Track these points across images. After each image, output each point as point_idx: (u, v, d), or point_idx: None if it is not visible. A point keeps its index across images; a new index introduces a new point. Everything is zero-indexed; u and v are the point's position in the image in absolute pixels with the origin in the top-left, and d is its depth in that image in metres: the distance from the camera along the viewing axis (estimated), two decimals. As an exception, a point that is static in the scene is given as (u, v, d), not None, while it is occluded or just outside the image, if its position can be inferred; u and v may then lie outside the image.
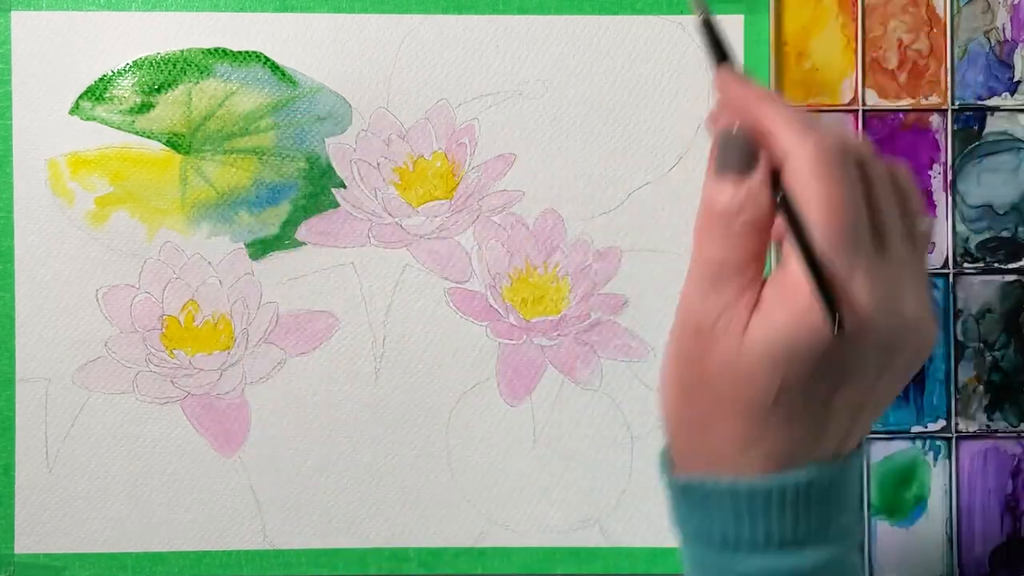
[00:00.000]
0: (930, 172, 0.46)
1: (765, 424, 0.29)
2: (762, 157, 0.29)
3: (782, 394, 0.28)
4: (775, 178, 0.29)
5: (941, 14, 0.46)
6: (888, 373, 0.29)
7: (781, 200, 0.29)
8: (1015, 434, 0.46)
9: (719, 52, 0.31)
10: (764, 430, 0.29)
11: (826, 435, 0.29)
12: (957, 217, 0.46)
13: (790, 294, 0.28)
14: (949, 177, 0.46)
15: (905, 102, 0.46)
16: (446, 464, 0.46)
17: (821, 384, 0.28)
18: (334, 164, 0.45)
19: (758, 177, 0.29)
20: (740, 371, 0.28)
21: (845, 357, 0.28)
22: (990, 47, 0.46)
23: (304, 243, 0.45)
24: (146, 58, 0.45)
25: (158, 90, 0.45)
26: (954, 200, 0.46)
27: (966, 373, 0.46)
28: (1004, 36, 0.46)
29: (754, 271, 0.29)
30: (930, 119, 0.46)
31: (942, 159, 0.46)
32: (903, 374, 0.30)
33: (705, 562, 0.30)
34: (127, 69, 0.45)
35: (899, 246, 0.29)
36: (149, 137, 0.45)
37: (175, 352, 0.45)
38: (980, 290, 0.46)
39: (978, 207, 0.46)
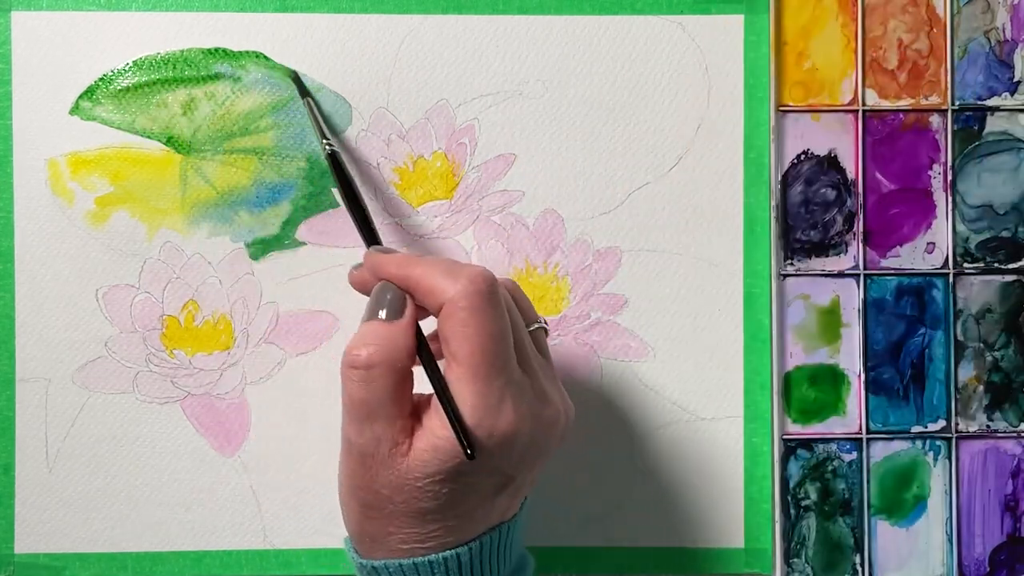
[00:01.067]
0: (930, 172, 0.46)
1: (435, 522, 0.33)
2: (408, 307, 0.34)
3: (448, 500, 0.33)
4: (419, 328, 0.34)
5: (941, 14, 0.46)
6: (540, 460, 0.35)
7: (420, 347, 0.33)
8: (1015, 434, 0.46)
9: (367, 235, 0.37)
10: (435, 526, 0.33)
11: (491, 515, 0.34)
12: (957, 217, 0.46)
13: (445, 428, 0.32)
14: (949, 177, 0.46)
15: (905, 102, 0.46)
16: (446, 464, 0.46)
17: (482, 486, 0.33)
18: (334, 164, 0.45)
19: (399, 326, 0.33)
20: (408, 488, 0.33)
21: (498, 464, 0.33)
22: (990, 47, 0.46)
23: (304, 243, 0.45)
24: (146, 58, 0.45)
25: (158, 90, 0.45)
26: (954, 200, 0.46)
27: (966, 373, 0.46)
28: (1004, 36, 0.46)
29: (401, 403, 0.33)
30: (930, 119, 0.46)
31: (942, 159, 0.46)
32: (550, 453, 0.35)
33: None
34: (127, 69, 0.45)
35: (531, 356, 0.34)
36: (149, 137, 0.45)
37: (175, 352, 0.45)
38: (980, 290, 0.46)
39: (978, 207, 0.46)
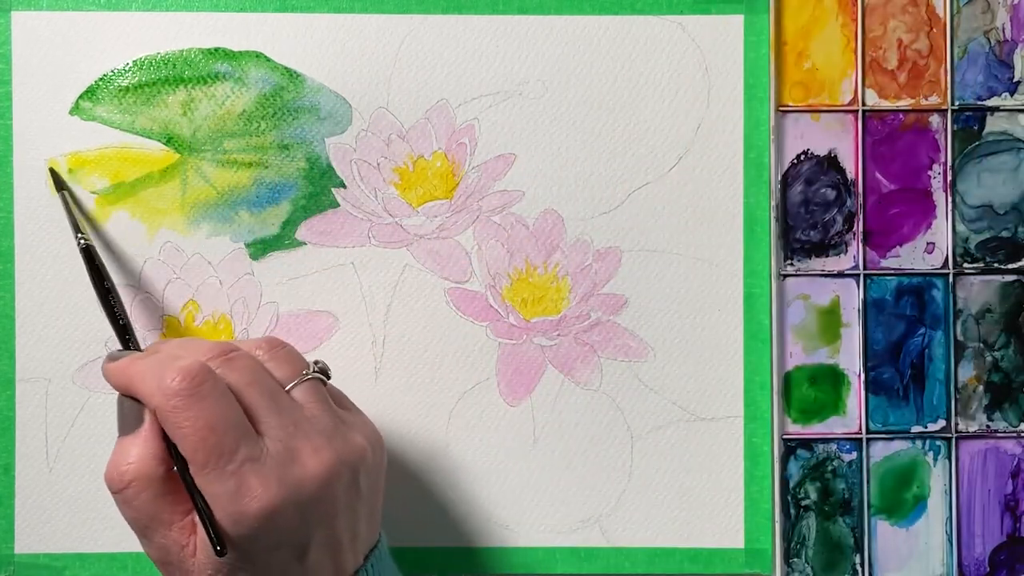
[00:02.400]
0: (930, 172, 0.46)
1: None
2: (146, 415, 0.34)
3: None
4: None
5: (941, 14, 0.46)
6: (337, 509, 0.34)
7: (169, 448, 0.34)
8: (1015, 434, 0.46)
9: (119, 334, 0.38)
10: None
11: (341, 566, 0.35)
12: (957, 217, 0.46)
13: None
14: (949, 177, 0.46)
15: (905, 102, 0.46)
16: (445, 464, 0.46)
17: (277, 560, 0.33)
18: (334, 164, 0.45)
19: (140, 437, 0.34)
20: None
21: (275, 539, 0.33)
22: (990, 47, 0.46)
23: (304, 243, 0.45)
24: (146, 58, 0.45)
25: (158, 90, 0.45)
26: (954, 200, 0.46)
27: (966, 373, 0.46)
28: (1004, 36, 0.46)
29: (172, 508, 0.33)
30: (930, 119, 0.46)
31: (942, 159, 0.46)
32: (355, 496, 0.35)
33: None
34: (127, 69, 0.45)
35: (279, 420, 0.34)
36: (149, 137, 0.45)
37: (175, 352, 0.45)
38: (980, 290, 0.46)
39: (978, 207, 0.46)
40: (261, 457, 0.33)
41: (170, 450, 0.34)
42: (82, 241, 0.40)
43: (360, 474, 0.36)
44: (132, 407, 0.35)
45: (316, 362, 0.37)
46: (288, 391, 0.36)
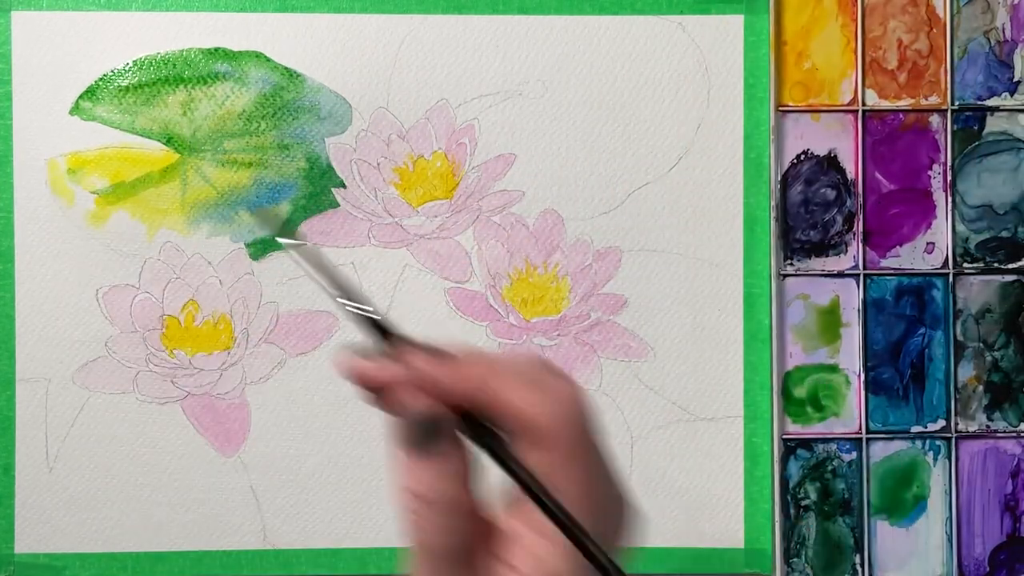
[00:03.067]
0: (930, 172, 0.46)
1: None
2: (446, 430, 0.26)
3: None
4: (488, 439, 0.26)
5: (941, 14, 0.46)
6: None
7: (512, 471, 0.26)
8: (1015, 434, 0.46)
9: (378, 330, 0.27)
10: None
11: None
12: (957, 217, 0.46)
13: (538, 563, 0.26)
14: (949, 177, 0.46)
15: (905, 102, 0.46)
16: (446, 464, 0.46)
17: None
18: (334, 164, 0.45)
19: (457, 454, 0.26)
20: None
21: None
22: (990, 47, 0.46)
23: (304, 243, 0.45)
24: (146, 58, 0.45)
25: (158, 90, 0.45)
26: (954, 200, 0.46)
27: (966, 373, 0.46)
28: (1004, 36, 0.46)
29: (476, 547, 0.26)
30: (930, 119, 0.46)
31: (942, 159, 0.46)
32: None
33: None
34: (127, 69, 0.45)
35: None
36: (149, 137, 0.45)
37: (175, 352, 0.45)
38: (980, 290, 0.46)
39: (978, 207, 0.46)
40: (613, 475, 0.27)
41: (525, 482, 0.26)
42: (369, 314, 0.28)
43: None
44: (442, 425, 0.26)
45: None
46: None
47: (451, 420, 0.26)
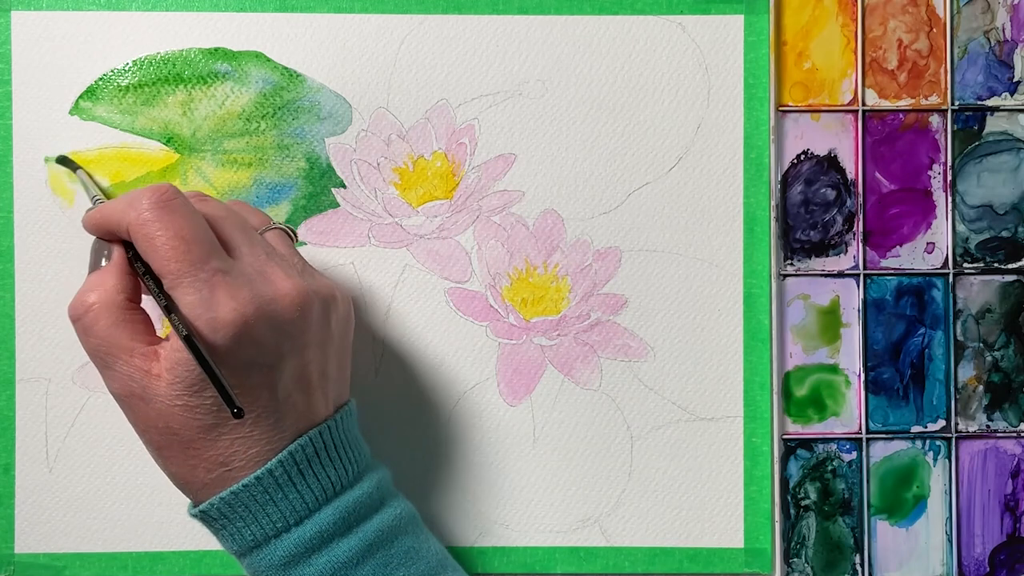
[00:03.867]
0: (930, 172, 0.46)
1: (232, 435, 0.34)
2: (115, 250, 0.35)
3: (224, 408, 0.33)
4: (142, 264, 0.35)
5: (941, 14, 0.46)
6: (302, 342, 0.35)
7: (142, 275, 0.35)
8: (1015, 434, 0.46)
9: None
10: (233, 440, 0.34)
11: (286, 417, 0.34)
12: (957, 217, 0.46)
13: (174, 340, 0.33)
14: (949, 177, 0.46)
15: (905, 102, 0.46)
16: (446, 464, 0.46)
17: (250, 378, 0.33)
18: (334, 164, 0.45)
19: (107, 269, 0.35)
20: (177, 411, 0.33)
21: (246, 355, 0.33)
22: (990, 47, 0.46)
23: (304, 243, 0.45)
24: (146, 58, 0.45)
25: (158, 90, 0.45)
26: (954, 200, 0.46)
27: (966, 373, 0.46)
28: (1004, 36, 0.46)
29: (134, 335, 0.34)
30: (930, 119, 0.46)
31: (942, 159, 0.46)
32: (327, 333, 0.36)
33: (259, 570, 0.35)
34: (127, 69, 0.45)
35: (248, 247, 0.35)
36: (149, 137, 0.45)
37: (175, 352, 0.45)
38: (980, 290, 0.46)
39: (978, 207, 0.46)
40: (233, 271, 0.34)
41: (143, 275, 0.34)
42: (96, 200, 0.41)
43: (331, 313, 0.37)
44: (101, 245, 0.36)
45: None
46: (260, 233, 0.37)
47: (102, 241, 0.36)
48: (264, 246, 0.36)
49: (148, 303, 0.37)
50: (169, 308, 0.33)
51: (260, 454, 0.34)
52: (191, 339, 0.32)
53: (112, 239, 0.36)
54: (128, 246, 0.35)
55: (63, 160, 0.44)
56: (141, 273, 0.34)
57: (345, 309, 0.38)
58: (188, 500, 0.36)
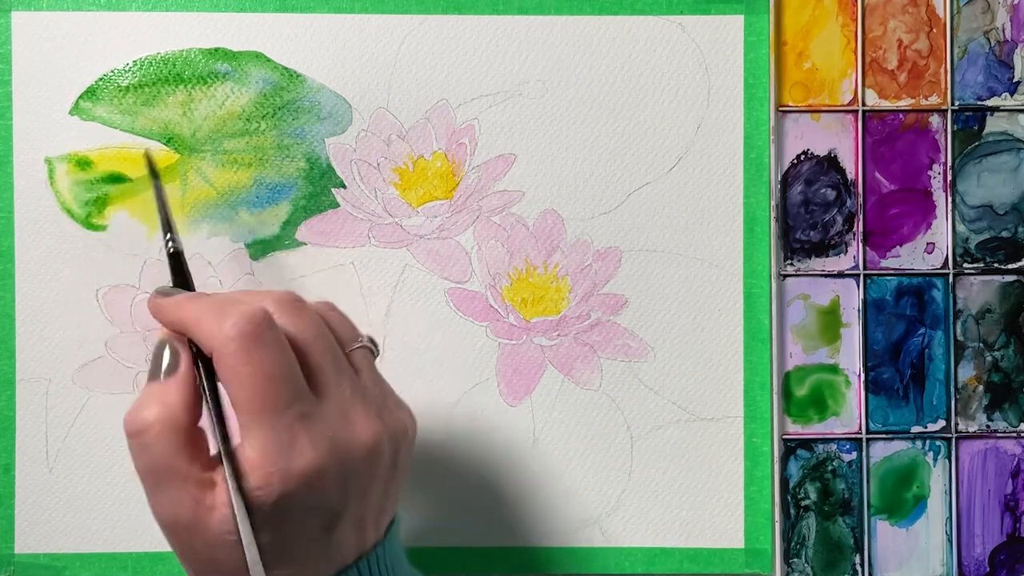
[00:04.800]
0: (930, 172, 0.46)
1: (281, 571, 0.31)
2: (183, 360, 0.32)
3: (274, 548, 0.31)
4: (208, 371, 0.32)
5: (941, 14, 0.46)
6: (372, 486, 0.33)
7: (208, 396, 0.32)
8: (1015, 434, 0.46)
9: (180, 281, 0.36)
10: (283, 572, 0.32)
11: (334, 554, 0.32)
12: (957, 217, 0.46)
13: (244, 468, 0.30)
14: (949, 177, 0.46)
15: (905, 102, 0.46)
16: (445, 464, 0.46)
17: (307, 527, 0.32)
18: (334, 164, 0.45)
19: (171, 383, 0.32)
20: (225, 545, 0.31)
21: (313, 502, 0.31)
22: (990, 47, 0.46)
23: (304, 243, 0.45)
24: (146, 58, 0.45)
25: (158, 90, 0.45)
26: (954, 200, 0.46)
27: (966, 373, 0.46)
28: (1004, 36, 0.46)
29: (191, 461, 0.31)
30: (930, 119, 0.46)
31: (942, 159, 0.46)
32: (379, 477, 0.34)
33: None
34: (127, 69, 0.45)
35: (334, 380, 0.33)
36: (149, 137, 0.45)
37: (175, 352, 0.45)
38: (980, 290, 0.46)
39: (978, 207, 0.46)
40: (315, 416, 0.31)
41: (210, 398, 0.32)
42: (170, 246, 0.38)
43: (400, 449, 0.35)
44: (171, 351, 0.33)
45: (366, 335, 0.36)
46: (347, 353, 0.34)
47: (173, 347, 0.33)
48: (350, 378, 0.34)
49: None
50: (230, 455, 0.31)
51: None
52: (240, 499, 0.30)
53: (179, 339, 0.33)
54: (200, 359, 0.33)
55: (149, 159, 0.42)
56: (210, 403, 0.32)
57: (412, 437, 0.36)
58: None
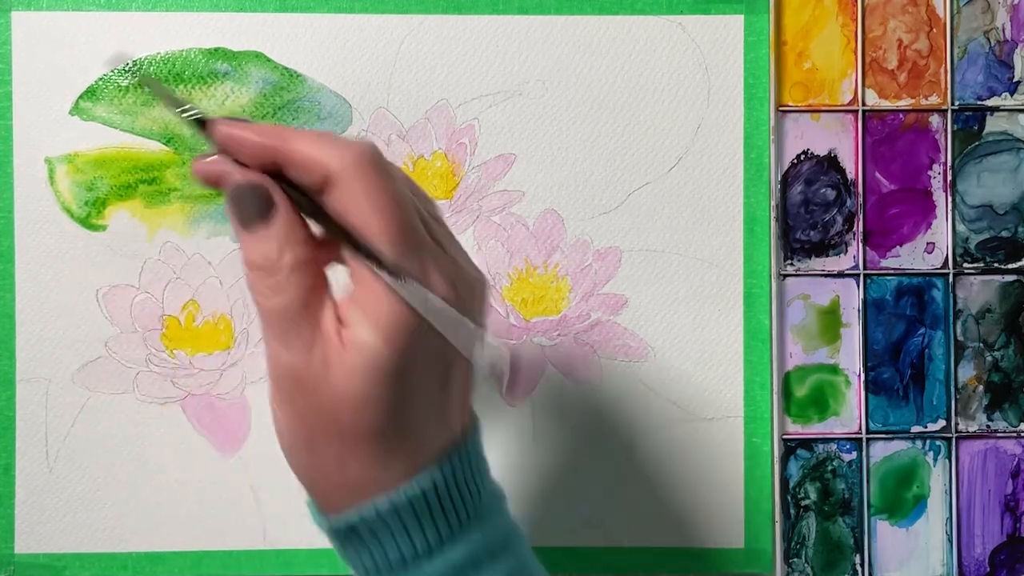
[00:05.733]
0: (930, 172, 0.46)
1: (395, 435, 0.29)
2: (278, 199, 0.29)
3: (400, 402, 0.29)
4: (314, 208, 0.29)
5: (941, 14, 0.46)
6: (476, 331, 0.31)
7: (327, 223, 0.29)
8: (1015, 434, 0.46)
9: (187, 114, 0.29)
10: (396, 441, 0.29)
11: (451, 415, 0.31)
12: (957, 217, 0.46)
13: (372, 309, 0.28)
14: (949, 177, 0.46)
15: (905, 102, 0.46)
16: (446, 464, 0.46)
17: (426, 377, 0.29)
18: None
19: (282, 218, 0.29)
20: (354, 401, 0.28)
21: (436, 344, 0.29)
22: (990, 47, 0.46)
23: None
24: (146, 58, 0.45)
25: (158, 90, 0.45)
26: (954, 200, 0.46)
27: (966, 373, 0.46)
28: (1004, 36, 0.46)
29: (319, 302, 0.29)
30: (930, 119, 0.46)
31: (942, 159, 0.46)
32: (481, 323, 0.31)
33: None
34: (127, 69, 0.45)
35: (435, 226, 0.31)
36: (149, 137, 0.45)
37: (175, 352, 0.45)
38: (980, 290, 0.46)
39: (978, 207, 0.46)
40: (436, 251, 0.29)
41: (325, 223, 0.29)
42: (192, 113, 0.30)
43: (487, 303, 0.33)
44: (262, 193, 0.29)
45: None
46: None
47: (266, 186, 0.29)
48: (441, 230, 0.32)
49: None
50: (379, 261, 0.27)
51: (415, 464, 0.30)
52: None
53: (262, 177, 0.29)
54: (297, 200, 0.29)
55: (145, 80, 0.39)
56: (336, 229, 0.29)
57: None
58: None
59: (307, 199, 0.29)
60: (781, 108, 0.46)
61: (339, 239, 0.29)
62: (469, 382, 0.33)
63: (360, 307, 0.28)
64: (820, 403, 0.46)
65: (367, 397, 0.28)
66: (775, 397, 0.46)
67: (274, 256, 0.28)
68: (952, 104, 0.46)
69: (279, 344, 0.29)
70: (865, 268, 0.46)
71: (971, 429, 0.46)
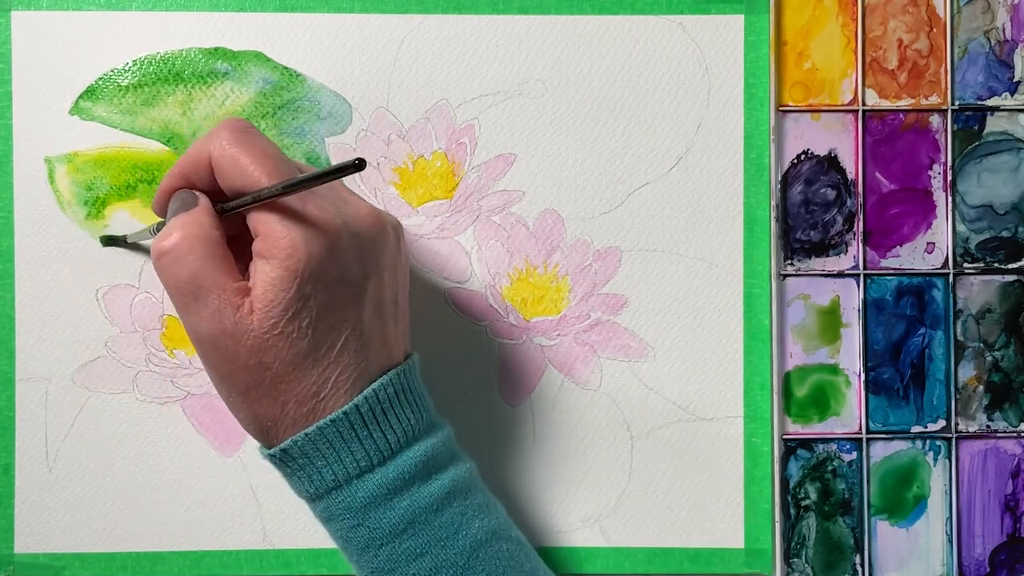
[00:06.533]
0: (930, 172, 0.46)
1: (324, 361, 0.33)
2: (200, 196, 0.34)
3: (315, 331, 0.32)
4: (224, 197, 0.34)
5: (941, 14, 0.46)
6: (381, 265, 0.35)
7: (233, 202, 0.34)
8: (1015, 434, 0.46)
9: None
10: (326, 366, 0.33)
11: (370, 349, 0.34)
12: (957, 217, 0.46)
13: (268, 250, 0.32)
14: (949, 177, 0.46)
15: (905, 102, 0.46)
16: (446, 464, 0.46)
17: (337, 301, 0.33)
18: (334, 164, 0.45)
19: (197, 210, 0.34)
20: (271, 341, 0.32)
21: (336, 267, 0.32)
22: (990, 47, 0.46)
23: (304, 243, 0.45)
24: (146, 58, 0.45)
25: (158, 90, 0.45)
26: (954, 200, 0.46)
27: (966, 373, 0.46)
28: (1004, 36, 0.46)
29: (224, 269, 0.33)
30: (930, 119, 0.46)
31: (942, 159, 0.46)
32: (398, 257, 0.36)
33: (334, 513, 0.34)
34: (127, 69, 0.45)
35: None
36: (149, 137, 0.45)
37: (175, 352, 0.45)
38: (980, 290, 0.46)
39: (978, 207, 0.46)
40: (314, 193, 0.33)
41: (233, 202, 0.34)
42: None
43: (400, 238, 0.37)
44: (188, 194, 0.35)
45: None
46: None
47: (186, 192, 0.35)
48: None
49: None
50: (287, 185, 0.32)
51: (348, 381, 0.33)
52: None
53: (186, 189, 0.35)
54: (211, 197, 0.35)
55: (110, 240, 0.45)
56: (230, 202, 0.34)
57: (405, 239, 0.38)
58: (260, 445, 0.35)
59: (219, 192, 0.34)
60: (781, 108, 0.46)
61: (242, 207, 0.33)
62: (404, 314, 0.37)
63: (261, 256, 0.32)
64: (820, 403, 0.46)
65: (284, 334, 0.32)
66: (775, 397, 0.46)
67: (173, 233, 0.33)
68: (952, 104, 0.46)
69: (190, 317, 0.33)
70: (865, 268, 0.46)
71: (971, 429, 0.46)
